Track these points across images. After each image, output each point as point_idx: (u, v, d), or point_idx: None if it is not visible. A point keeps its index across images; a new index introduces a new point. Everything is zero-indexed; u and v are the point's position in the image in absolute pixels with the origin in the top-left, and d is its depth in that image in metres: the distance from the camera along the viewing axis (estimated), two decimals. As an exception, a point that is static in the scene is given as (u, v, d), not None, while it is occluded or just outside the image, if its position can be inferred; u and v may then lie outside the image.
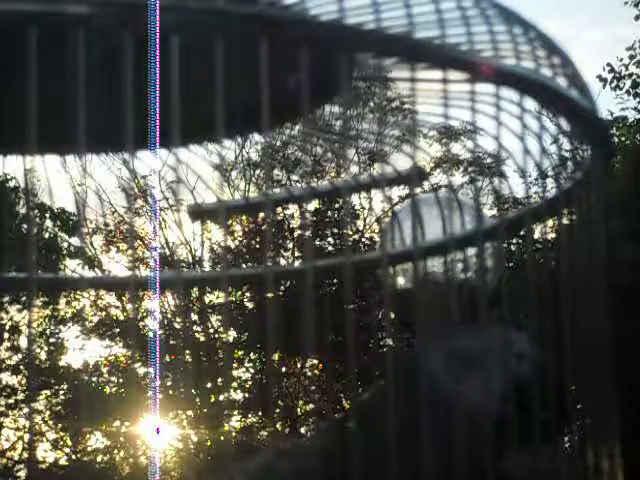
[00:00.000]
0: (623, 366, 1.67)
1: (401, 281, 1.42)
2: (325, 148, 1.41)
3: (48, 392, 10.31)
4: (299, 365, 9.73)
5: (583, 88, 1.13)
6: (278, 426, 9.77)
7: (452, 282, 1.30)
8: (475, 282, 1.26)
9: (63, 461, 10.58)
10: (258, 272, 1.73)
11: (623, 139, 9.53)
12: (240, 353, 10.02)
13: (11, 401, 10.24)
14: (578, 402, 1.14)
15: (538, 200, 1.22)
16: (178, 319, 9.81)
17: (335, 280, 6.57)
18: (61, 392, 10.40)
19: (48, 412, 10.41)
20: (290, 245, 10.20)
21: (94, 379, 10.62)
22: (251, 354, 10.15)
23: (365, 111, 1.29)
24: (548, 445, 1.07)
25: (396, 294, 1.40)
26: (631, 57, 9.95)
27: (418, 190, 1.66)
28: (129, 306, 10.52)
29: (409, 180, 1.24)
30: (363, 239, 10.05)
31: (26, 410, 9.90)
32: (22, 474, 9.92)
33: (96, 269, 10.33)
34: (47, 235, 9.99)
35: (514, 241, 7.29)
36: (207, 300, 9.92)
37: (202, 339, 10.08)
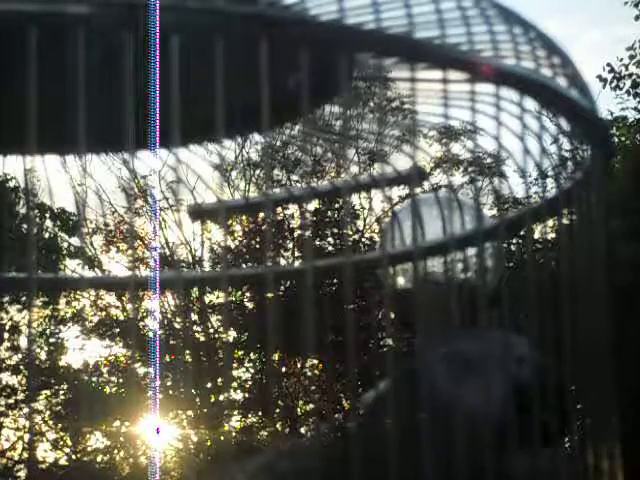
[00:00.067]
0: (623, 366, 1.67)
1: (401, 281, 1.42)
2: (325, 148, 1.41)
3: (48, 392, 10.31)
4: (299, 365, 9.72)
5: (583, 88, 1.13)
6: (278, 426, 9.77)
7: (452, 282, 1.30)
8: (475, 282, 1.26)
9: (63, 461, 10.58)
10: (258, 272, 1.73)
11: (623, 139, 9.53)
12: (240, 353, 10.01)
13: (11, 401, 10.24)
14: (578, 402, 1.14)
15: (538, 200, 1.22)
16: (178, 319, 9.80)
17: (335, 280, 6.56)
18: (61, 392, 10.40)
19: (48, 412, 10.41)
20: (290, 245, 10.20)
21: (94, 379, 10.62)
22: (251, 354, 10.14)
23: (365, 111, 1.29)
24: (549, 447, 1.07)
25: (396, 294, 1.40)
26: (631, 57, 9.95)
27: (418, 190, 1.66)
28: (129, 306, 10.52)
29: (409, 180, 1.24)
30: (363, 239, 10.05)
31: (26, 410, 9.90)
32: (22, 474, 9.92)
33: (96, 269, 10.33)
34: (47, 235, 9.99)
35: (514, 241, 7.29)
36: (207, 300, 9.92)
37: (202, 339, 10.08)
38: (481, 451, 1.05)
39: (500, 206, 4.76)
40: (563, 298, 1.07)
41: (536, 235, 1.61)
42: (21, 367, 10.21)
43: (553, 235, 1.22)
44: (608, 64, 9.89)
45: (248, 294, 9.97)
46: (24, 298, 8.77)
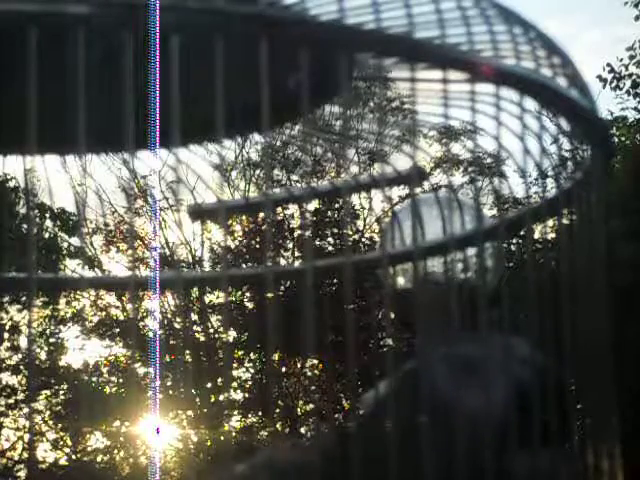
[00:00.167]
0: (623, 366, 1.67)
1: (401, 281, 1.42)
2: (325, 148, 1.41)
3: (48, 392, 10.32)
4: (299, 365, 9.73)
5: (583, 88, 1.13)
6: (278, 426, 9.77)
7: (452, 282, 1.30)
8: (475, 282, 1.26)
9: (63, 461, 10.59)
10: (258, 272, 1.73)
11: (623, 139, 9.54)
12: (240, 353, 10.02)
13: (11, 401, 10.24)
14: (578, 402, 1.14)
15: (538, 200, 1.22)
16: (178, 319, 9.81)
17: (335, 280, 6.56)
18: (61, 392, 10.41)
19: (48, 412, 10.42)
20: (290, 245, 10.20)
21: (94, 379, 10.62)
22: (251, 354, 10.15)
23: (365, 111, 1.29)
24: (550, 448, 1.07)
25: (396, 294, 1.40)
26: (631, 57, 9.96)
27: (418, 190, 1.66)
28: (129, 306, 10.53)
29: (409, 180, 1.24)
30: (363, 239, 10.06)
31: (26, 410, 9.90)
32: (22, 474, 9.92)
33: (96, 269, 10.34)
34: (47, 235, 10.00)
35: (514, 241, 7.30)
36: (207, 300, 9.93)
37: (202, 339, 10.08)
38: (482, 451, 1.05)
39: (500, 206, 4.76)
40: (563, 298, 1.07)
41: (536, 235, 1.61)
42: (21, 367, 10.22)
43: (553, 235, 1.22)
44: (608, 64, 9.91)
45: (248, 294, 9.98)
46: (24, 298, 8.77)
